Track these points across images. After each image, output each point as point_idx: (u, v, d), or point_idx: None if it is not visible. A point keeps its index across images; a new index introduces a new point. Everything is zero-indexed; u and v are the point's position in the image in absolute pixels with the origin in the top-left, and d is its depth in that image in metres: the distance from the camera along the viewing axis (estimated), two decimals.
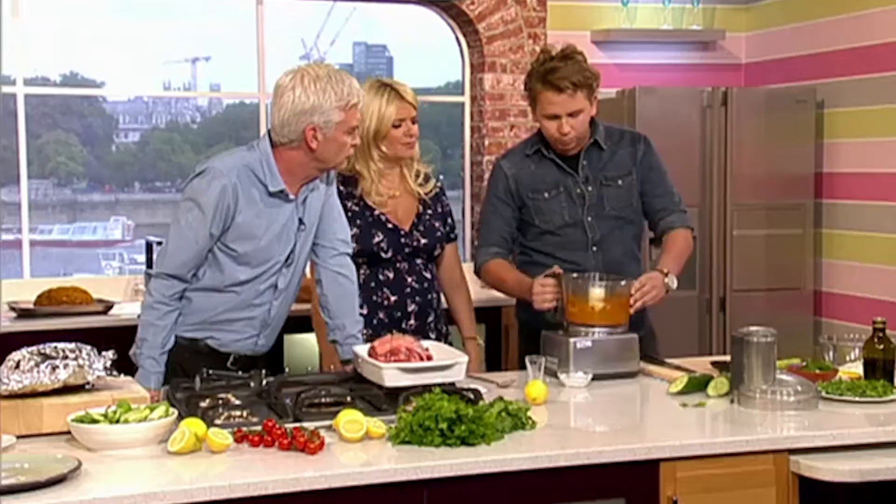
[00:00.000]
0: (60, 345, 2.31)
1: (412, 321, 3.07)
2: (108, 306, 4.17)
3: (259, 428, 2.18)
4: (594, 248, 3.05)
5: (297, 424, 2.19)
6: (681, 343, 4.39)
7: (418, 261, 3.11)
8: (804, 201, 4.89)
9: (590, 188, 3.05)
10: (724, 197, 4.77)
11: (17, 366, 2.24)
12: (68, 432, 2.15)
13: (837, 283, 4.91)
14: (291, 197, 2.67)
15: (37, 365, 2.23)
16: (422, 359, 2.46)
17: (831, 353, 2.89)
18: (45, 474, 1.88)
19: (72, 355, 2.28)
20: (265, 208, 2.63)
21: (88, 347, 2.33)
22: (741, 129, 4.77)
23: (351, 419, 2.18)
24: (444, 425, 2.13)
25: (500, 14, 5.06)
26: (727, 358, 2.76)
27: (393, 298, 3.04)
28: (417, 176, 3.13)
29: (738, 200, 4.79)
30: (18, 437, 2.14)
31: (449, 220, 3.20)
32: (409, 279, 3.07)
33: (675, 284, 2.97)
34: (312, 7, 5.68)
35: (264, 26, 4.98)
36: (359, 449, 2.14)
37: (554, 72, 2.92)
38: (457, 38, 5.24)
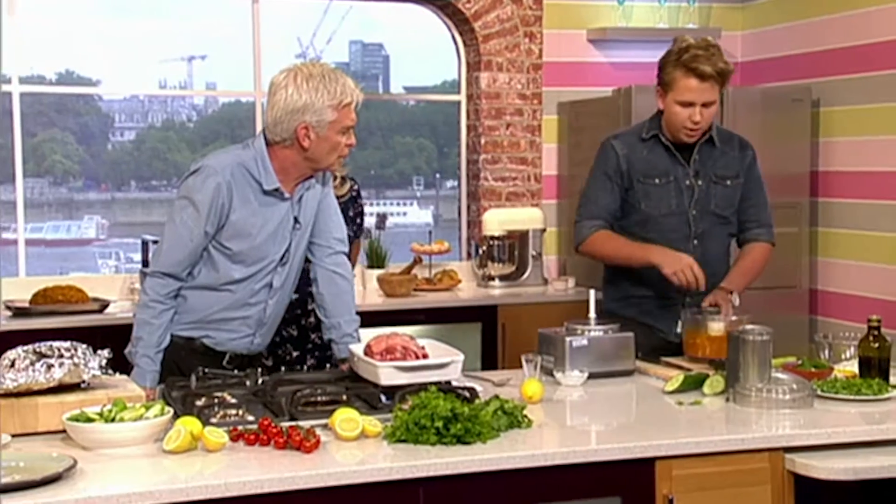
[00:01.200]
0: (56, 343, 2.31)
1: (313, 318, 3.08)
2: (104, 305, 4.17)
3: (255, 427, 2.18)
4: (695, 242, 3.09)
5: (293, 423, 2.19)
6: None
7: None
8: (800, 200, 4.90)
9: (699, 182, 3.08)
10: None
11: (13, 364, 2.24)
12: (64, 431, 2.15)
13: (833, 281, 4.91)
14: (287, 195, 2.67)
15: (32, 364, 2.23)
16: (418, 357, 2.46)
17: (827, 352, 2.90)
18: (41, 473, 1.88)
19: (67, 354, 2.28)
20: (260, 207, 2.63)
21: (84, 346, 2.33)
22: (737, 128, 4.70)
23: (347, 418, 2.18)
24: (439, 424, 2.14)
25: (497, 13, 5.06)
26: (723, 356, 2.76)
27: (294, 296, 3.03)
28: (335, 178, 3.16)
29: None
30: (14, 435, 2.14)
31: (358, 221, 3.34)
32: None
33: (737, 302, 3.02)
34: (308, 5, 5.67)
35: (260, 25, 4.97)
36: (355, 447, 2.14)
37: (698, 59, 2.94)
38: (453, 37, 5.24)
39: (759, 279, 4.79)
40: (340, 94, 2.57)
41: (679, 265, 2.91)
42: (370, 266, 4.87)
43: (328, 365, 3.08)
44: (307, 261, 2.80)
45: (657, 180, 3.07)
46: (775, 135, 4.82)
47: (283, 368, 2.78)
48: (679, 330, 2.95)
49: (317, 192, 2.75)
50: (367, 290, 4.76)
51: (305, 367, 3.11)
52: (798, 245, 4.90)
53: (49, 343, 2.31)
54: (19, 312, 4.10)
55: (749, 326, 2.55)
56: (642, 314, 3.08)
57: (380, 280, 4.65)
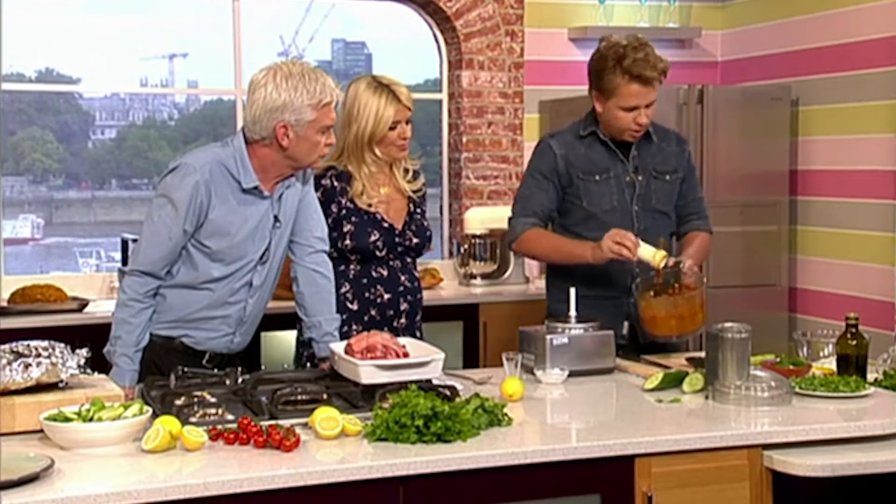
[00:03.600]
0: (33, 343, 2.29)
1: (403, 319, 3.07)
2: (83, 304, 4.14)
3: (234, 426, 2.17)
4: (637, 237, 3.04)
5: (273, 422, 2.19)
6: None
7: (408, 259, 3.13)
8: (779, 198, 4.93)
9: (640, 178, 3.07)
10: None
11: None
12: (41, 431, 2.13)
13: (812, 279, 4.95)
14: (266, 194, 2.66)
15: (9, 363, 2.21)
16: (398, 356, 2.46)
17: (805, 349, 2.92)
18: (18, 473, 1.87)
19: (45, 353, 2.26)
20: (239, 205, 2.62)
21: (62, 345, 2.31)
22: (717, 127, 4.80)
23: (327, 416, 2.18)
24: (420, 422, 2.14)
25: (478, 11, 5.06)
26: (702, 354, 2.78)
27: (387, 296, 3.04)
28: (406, 173, 3.13)
29: (714, 197, 4.80)
30: None
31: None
32: (403, 277, 3.07)
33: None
34: (290, 4, 5.66)
35: (241, 23, 4.96)
36: (335, 446, 2.14)
37: (639, 65, 2.91)
38: (434, 36, 5.24)
39: (739, 277, 4.87)
40: (320, 93, 2.55)
41: (608, 241, 2.85)
42: None
43: (308, 364, 3.08)
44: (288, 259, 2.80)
45: (597, 177, 3.05)
46: (755, 133, 4.85)
47: (264, 366, 2.78)
48: (625, 332, 2.93)
49: (297, 190, 2.74)
50: None
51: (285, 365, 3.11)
52: (777, 243, 4.94)
53: (26, 342, 2.30)
54: None
55: (728, 324, 2.57)
56: (587, 314, 3.00)
57: None
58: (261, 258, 2.69)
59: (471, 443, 2.16)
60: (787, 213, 4.94)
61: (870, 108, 4.59)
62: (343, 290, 3.01)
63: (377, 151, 3.01)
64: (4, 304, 4.11)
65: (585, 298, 2.96)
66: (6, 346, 2.28)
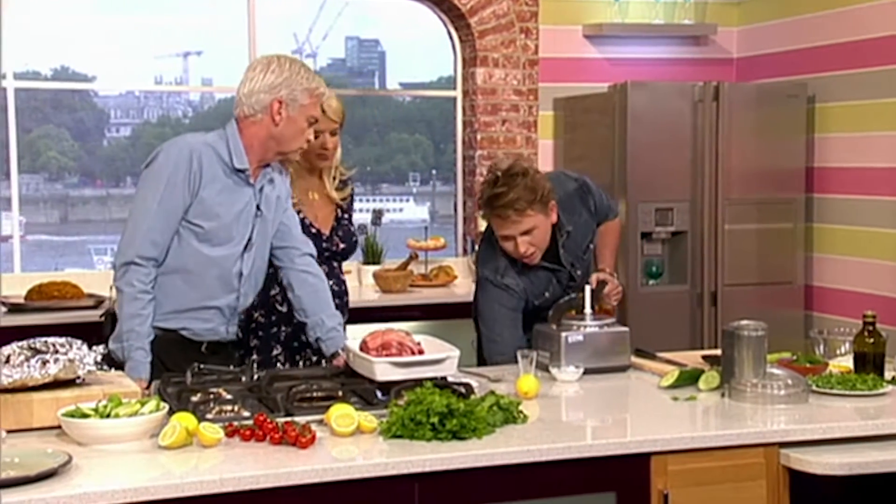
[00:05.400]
0: (51, 339, 2.30)
1: None
2: (100, 301, 4.16)
3: (250, 422, 2.18)
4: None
5: (289, 419, 2.19)
6: (672, 337, 4.41)
7: (335, 263, 3.20)
8: (795, 196, 4.90)
9: (576, 268, 3.08)
10: (715, 192, 4.78)
11: (8, 360, 2.24)
12: (59, 427, 2.14)
13: (828, 277, 4.92)
14: (251, 181, 2.70)
15: (27, 359, 2.23)
16: (413, 353, 2.46)
17: (822, 347, 2.90)
18: (36, 469, 1.88)
19: (62, 350, 2.27)
20: (227, 185, 2.66)
21: (79, 342, 2.32)
22: (732, 124, 4.78)
23: (342, 413, 2.18)
24: (435, 419, 2.14)
25: (493, 8, 5.05)
26: (718, 352, 2.77)
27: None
28: (336, 181, 3.18)
29: (730, 195, 4.79)
30: (8, 431, 2.13)
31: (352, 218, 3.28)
32: (330, 281, 3.07)
33: (616, 281, 3.16)
34: (304, 1, 5.67)
35: (256, 20, 4.97)
36: (350, 443, 2.14)
37: (498, 198, 2.85)
38: (449, 33, 5.23)
39: (754, 275, 4.85)
40: (317, 85, 2.67)
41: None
42: (366, 262, 4.87)
43: (323, 361, 3.09)
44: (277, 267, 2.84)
45: (547, 294, 3.03)
46: (771, 131, 4.83)
47: (278, 365, 2.80)
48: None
49: (276, 187, 2.77)
50: (363, 286, 4.76)
51: (300, 364, 3.11)
52: (793, 241, 4.91)
53: (44, 339, 2.31)
54: (14, 308, 4.09)
55: (744, 322, 2.56)
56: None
57: (376, 276, 4.65)
58: (245, 246, 2.71)
59: (486, 440, 2.16)
60: (803, 211, 4.92)
61: (887, 105, 4.56)
62: (273, 291, 3.05)
63: (298, 157, 3.03)
64: (22, 301, 4.14)
65: None
66: (24, 343, 2.29)
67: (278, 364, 3.05)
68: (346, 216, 3.23)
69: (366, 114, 7.22)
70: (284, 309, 3.04)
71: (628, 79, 4.79)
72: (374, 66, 7.73)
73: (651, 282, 4.80)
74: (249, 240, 2.72)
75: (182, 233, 2.64)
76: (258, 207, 2.72)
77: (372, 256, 4.87)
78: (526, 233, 2.89)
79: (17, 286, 4.34)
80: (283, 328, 3.07)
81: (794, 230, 4.91)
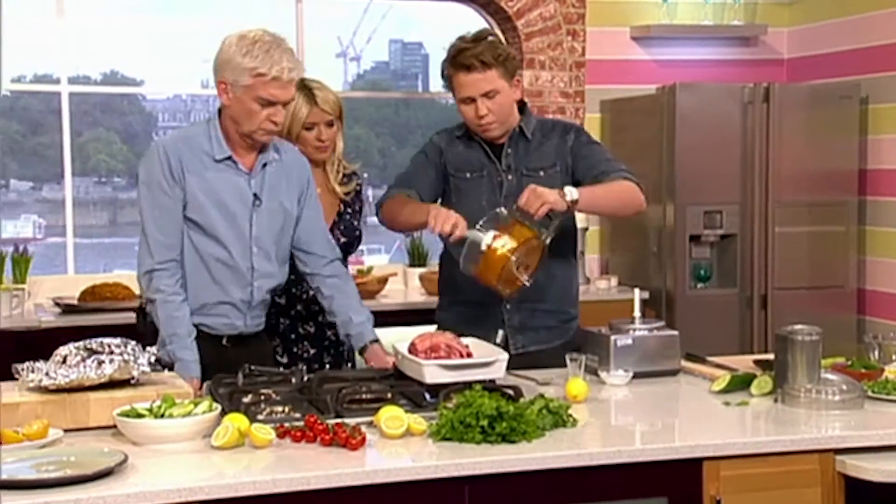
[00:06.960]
0: (106, 340, 2.34)
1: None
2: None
3: (301, 423, 2.19)
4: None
5: (339, 420, 2.20)
6: (721, 341, 4.36)
7: None
8: (847, 198, 4.83)
9: (510, 177, 2.97)
10: (765, 194, 4.72)
11: (65, 360, 2.27)
12: (114, 426, 2.17)
13: (881, 281, 4.84)
14: (242, 168, 2.67)
15: (83, 360, 2.26)
16: (462, 356, 2.46)
17: (876, 352, 2.85)
18: (92, 468, 1.91)
19: (117, 350, 2.31)
20: (213, 178, 2.63)
21: (133, 343, 2.36)
22: (783, 126, 4.72)
23: (392, 415, 2.19)
24: (484, 422, 2.13)
25: (539, 10, 5.04)
26: (770, 356, 2.73)
27: (312, 292, 3.03)
28: (339, 175, 3.15)
29: (780, 197, 4.73)
30: (65, 430, 2.16)
31: (362, 213, 3.24)
32: None
33: (575, 196, 2.75)
34: (349, 5, 5.70)
35: (304, 24, 5.00)
36: (400, 445, 2.15)
37: (463, 52, 2.87)
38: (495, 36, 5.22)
39: (805, 278, 4.78)
40: (261, 62, 2.55)
41: (441, 216, 2.71)
42: (412, 264, 4.88)
43: (350, 364, 3.11)
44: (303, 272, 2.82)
45: (468, 175, 2.98)
46: (823, 132, 4.76)
47: (299, 365, 2.81)
48: (498, 340, 2.76)
49: (278, 169, 2.71)
50: (410, 289, 4.77)
51: (326, 365, 3.13)
52: (846, 244, 4.84)
53: (100, 339, 2.34)
54: (68, 309, 4.16)
55: (798, 326, 2.52)
56: (463, 322, 2.91)
57: (422, 278, 4.66)
58: (250, 241, 2.67)
59: (536, 444, 2.15)
60: (855, 214, 4.84)
61: None
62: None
63: (297, 147, 3.03)
64: (75, 302, 4.21)
65: (457, 305, 2.99)
66: (80, 343, 2.33)
67: (275, 356, 3.06)
68: (349, 210, 3.18)
69: (409, 116, 7.24)
70: (283, 301, 3.05)
71: (676, 80, 4.75)
72: (418, 68, 7.75)
73: (700, 285, 4.75)
74: (251, 230, 2.68)
75: (185, 231, 2.64)
76: (256, 196, 2.68)
77: (417, 259, 4.88)
78: (487, 95, 2.86)
79: (70, 288, 4.41)
80: (282, 320, 3.09)
81: (846, 233, 4.83)
